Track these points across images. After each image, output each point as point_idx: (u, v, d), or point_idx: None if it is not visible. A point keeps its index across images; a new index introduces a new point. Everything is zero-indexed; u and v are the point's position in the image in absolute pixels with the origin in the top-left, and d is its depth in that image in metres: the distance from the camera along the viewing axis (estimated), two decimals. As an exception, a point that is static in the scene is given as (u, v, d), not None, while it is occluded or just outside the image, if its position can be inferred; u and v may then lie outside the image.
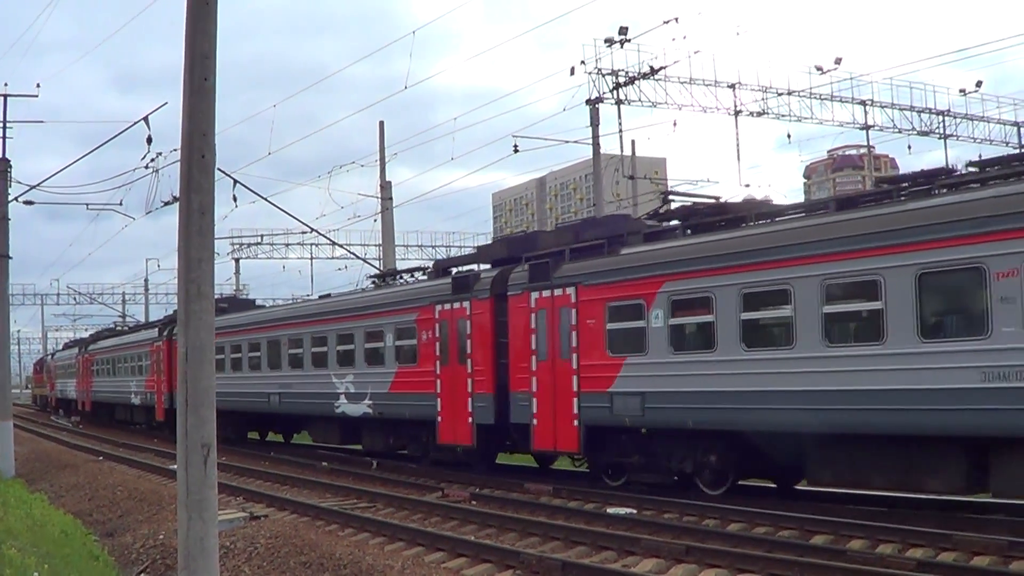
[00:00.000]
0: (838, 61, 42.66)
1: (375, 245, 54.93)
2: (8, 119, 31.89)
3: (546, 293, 21.32)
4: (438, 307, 24.71)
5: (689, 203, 21.36)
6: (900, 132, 45.37)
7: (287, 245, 65.70)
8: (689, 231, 19.72)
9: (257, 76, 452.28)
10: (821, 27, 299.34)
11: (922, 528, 14.14)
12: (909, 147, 47.50)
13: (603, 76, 36.17)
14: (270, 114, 69.15)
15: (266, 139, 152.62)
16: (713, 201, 20.87)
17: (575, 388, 20.43)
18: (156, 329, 47.87)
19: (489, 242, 32.32)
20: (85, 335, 79.05)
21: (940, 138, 45.98)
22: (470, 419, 23.49)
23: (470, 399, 23.52)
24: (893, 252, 14.85)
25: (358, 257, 52.64)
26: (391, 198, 39.87)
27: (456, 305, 24.14)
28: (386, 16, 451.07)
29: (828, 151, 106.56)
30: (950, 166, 17.64)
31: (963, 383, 13.94)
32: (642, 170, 44.71)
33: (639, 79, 36.92)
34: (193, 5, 9.24)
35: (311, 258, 67.58)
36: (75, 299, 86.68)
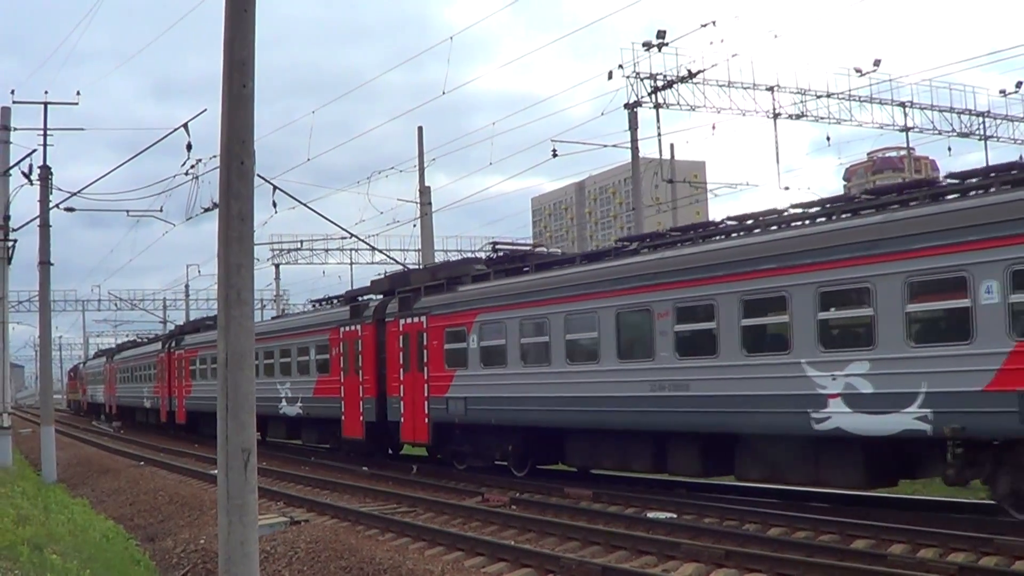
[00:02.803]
0: (877, 63, 42.21)
1: (415, 250, 54.97)
2: (49, 127, 32.33)
3: (409, 320, 27.03)
4: (342, 328, 30.69)
5: (510, 250, 27.39)
6: (940, 134, 44.89)
7: (327, 251, 65.90)
8: (496, 275, 25.11)
9: (293, 83, 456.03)
10: (859, 29, 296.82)
11: (963, 532, 13.99)
12: (949, 149, 47.31)
13: (641, 80, 36.04)
14: (307, 121, 69.48)
15: (304, 145, 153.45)
16: (524, 250, 27.14)
17: (426, 394, 26.02)
18: (160, 343, 53.99)
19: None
20: (125, 340, 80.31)
21: (980, 139, 45.52)
22: (361, 417, 29.29)
23: (361, 402, 29.26)
24: (601, 297, 20.52)
25: (397, 262, 52.81)
26: (430, 203, 39.92)
27: (353, 327, 30.15)
28: (420, 23, 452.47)
29: (868, 153, 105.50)
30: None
31: (641, 392, 19.31)
32: (681, 174, 44.38)
33: (677, 83, 36.71)
34: (231, 13, 9.29)
35: (351, 263, 67.68)
36: (116, 305, 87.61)
